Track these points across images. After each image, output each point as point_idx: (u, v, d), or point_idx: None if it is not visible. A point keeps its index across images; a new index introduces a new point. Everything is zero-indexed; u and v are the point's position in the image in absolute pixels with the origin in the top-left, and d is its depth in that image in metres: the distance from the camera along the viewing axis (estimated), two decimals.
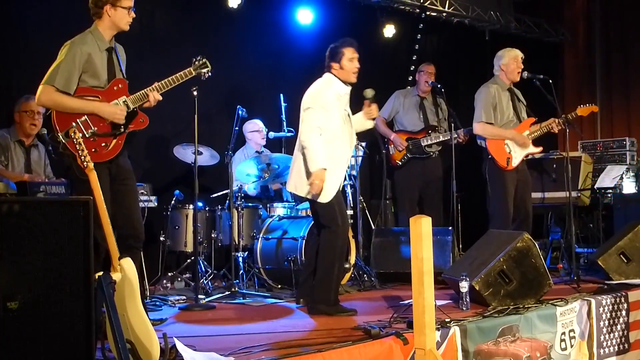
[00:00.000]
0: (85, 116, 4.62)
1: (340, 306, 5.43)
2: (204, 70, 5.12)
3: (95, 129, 4.63)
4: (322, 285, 5.45)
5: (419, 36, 10.48)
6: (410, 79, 9.98)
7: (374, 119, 5.88)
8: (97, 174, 4.37)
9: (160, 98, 4.87)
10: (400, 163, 8.00)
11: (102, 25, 4.80)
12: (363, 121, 5.82)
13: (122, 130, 4.73)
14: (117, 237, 4.61)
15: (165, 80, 4.90)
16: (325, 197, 5.45)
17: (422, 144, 7.93)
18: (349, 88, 5.62)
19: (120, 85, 4.78)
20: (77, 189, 4.56)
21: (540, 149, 7.24)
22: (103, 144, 4.66)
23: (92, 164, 3.98)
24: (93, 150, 4.58)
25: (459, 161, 7.52)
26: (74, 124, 4.55)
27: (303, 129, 5.53)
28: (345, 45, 5.58)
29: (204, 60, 5.12)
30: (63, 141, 4.51)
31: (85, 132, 4.58)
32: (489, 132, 7.00)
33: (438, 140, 7.88)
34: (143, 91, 4.81)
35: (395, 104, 8.14)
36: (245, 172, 7.24)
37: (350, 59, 5.55)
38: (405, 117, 8.10)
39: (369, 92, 5.72)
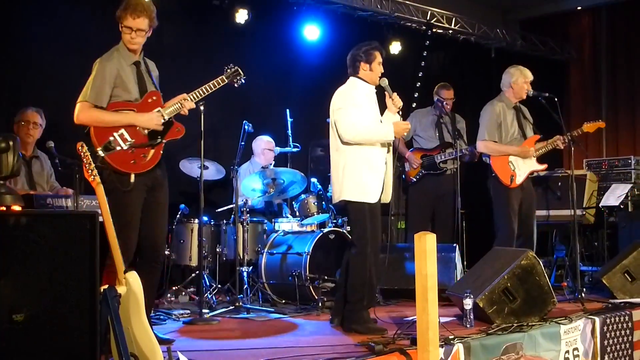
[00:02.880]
0: (123, 129, 4.68)
1: (372, 325, 5.27)
2: (237, 77, 5.30)
3: (133, 140, 4.68)
4: (355, 306, 5.33)
5: (425, 53, 10.52)
6: (416, 95, 10.01)
7: (400, 110, 5.58)
8: (136, 186, 4.59)
9: (194, 106, 5.00)
10: (414, 179, 8.04)
11: (123, 42, 4.87)
12: (390, 117, 5.57)
13: (160, 140, 4.79)
14: (137, 250, 4.68)
15: (198, 89, 5.00)
16: (367, 197, 5.32)
17: (436, 161, 7.95)
18: (373, 87, 5.55)
19: (154, 98, 4.85)
20: (114, 201, 4.44)
21: (545, 166, 7.25)
22: (142, 155, 4.72)
23: (99, 177, 4.01)
24: (132, 161, 4.66)
25: (466, 178, 7.53)
26: (111, 138, 4.61)
27: (340, 128, 5.36)
28: (377, 48, 5.53)
29: (235, 68, 5.30)
30: (102, 155, 4.55)
31: (123, 145, 4.64)
32: (491, 149, 7.01)
33: (453, 157, 7.86)
34: (177, 102, 4.88)
35: (413, 123, 8.15)
36: (250, 187, 7.25)
37: (379, 62, 5.51)
38: (422, 135, 8.14)
39: (384, 81, 5.54)
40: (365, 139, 5.33)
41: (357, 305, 5.30)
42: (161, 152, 4.82)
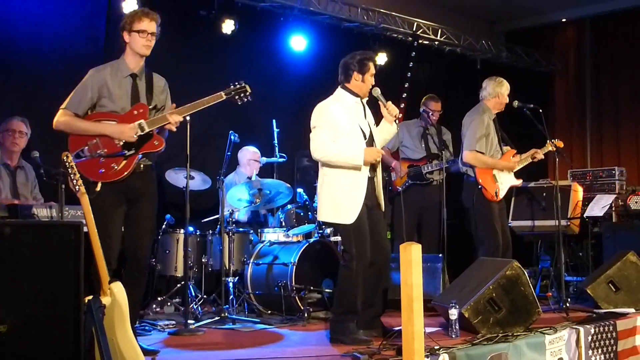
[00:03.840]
0: (97, 138, 4.69)
1: (358, 336, 5.22)
2: (241, 95, 5.10)
3: (105, 150, 4.68)
4: (339, 317, 5.32)
5: (411, 64, 10.56)
6: (402, 106, 10.04)
7: (396, 120, 5.51)
8: (106, 194, 4.56)
9: (181, 119, 4.88)
10: (400, 189, 8.05)
11: (127, 53, 4.90)
12: (387, 127, 5.53)
13: (133, 152, 4.75)
14: (122, 260, 4.67)
15: (192, 103, 4.89)
16: (343, 218, 5.26)
17: (423, 171, 7.96)
18: (358, 98, 5.45)
19: (140, 110, 4.82)
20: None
21: (520, 180, 7.28)
22: (112, 165, 4.71)
23: (83, 188, 4.01)
24: (100, 171, 4.66)
25: (452, 189, 7.55)
26: (85, 146, 4.65)
27: (313, 147, 5.34)
28: (371, 59, 5.47)
29: (243, 85, 5.12)
30: (75, 162, 4.54)
31: (93, 154, 4.65)
32: (481, 161, 6.96)
33: (439, 168, 7.88)
34: (162, 114, 4.86)
35: (400, 133, 8.16)
36: (236, 197, 7.25)
37: (372, 74, 5.43)
38: (408, 145, 8.15)
39: (376, 91, 5.46)
40: (332, 161, 5.29)
41: (342, 317, 5.29)
42: (133, 164, 4.75)
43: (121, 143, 4.72)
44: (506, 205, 7.41)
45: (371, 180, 5.40)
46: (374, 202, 5.45)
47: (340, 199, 5.29)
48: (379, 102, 5.49)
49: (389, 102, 5.48)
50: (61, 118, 4.73)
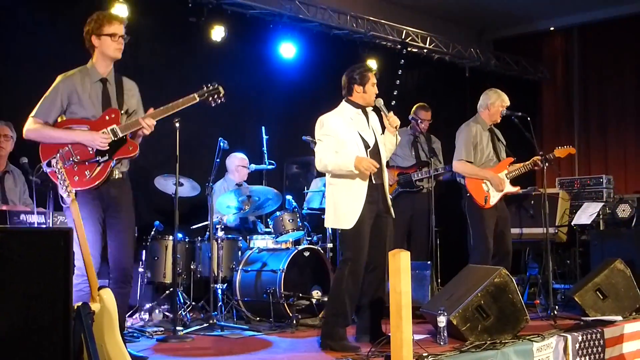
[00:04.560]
0: (69, 146, 4.64)
1: (346, 342, 5.28)
2: (214, 96, 5.03)
3: (78, 157, 4.63)
4: (328, 319, 5.39)
5: (400, 72, 10.59)
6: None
7: (397, 128, 5.64)
8: (83, 202, 4.45)
9: (154, 123, 4.77)
10: (390, 197, 8.04)
11: (95, 57, 4.83)
12: (389, 137, 5.65)
13: (107, 158, 4.70)
14: (106, 269, 4.65)
15: (165, 107, 4.84)
16: (343, 223, 5.40)
17: (413, 179, 7.98)
18: (359, 109, 5.57)
19: (112, 115, 4.76)
20: (67, 216, 4.52)
21: (517, 188, 7.27)
22: (86, 172, 4.65)
23: (74, 194, 3.99)
24: (75, 178, 4.59)
25: (441, 197, 7.57)
26: (57, 154, 4.55)
27: (316, 160, 5.50)
28: (370, 70, 5.62)
29: (215, 86, 5.06)
30: (46, 171, 4.52)
31: (66, 161, 4.58)
32: (468, 170, 7.02)
33: (428, 176, 7.89)
34: (135, 119, 4.79)
35: None
36: (225, 204, 7.25)
37: (373, 83, 5.57)
38: (398, 153, 8.16)
39: (379, 102, 5.60)
40: (332, 170, 5.44)
41: (331, 319, 5.36)
42: (107, 170, 4.70)
43: (94, 150, 4.69)
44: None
45: (378, 187, 5.53)
46: (382, 208, 5.55)
47: (341, 205, 5.43)
48: (381, 113, 5.62)
49: (391, 113, 5.60)
50: (31, 126, 4.66)
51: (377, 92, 5.60)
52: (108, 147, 4.68)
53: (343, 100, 5.63)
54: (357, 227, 5.35)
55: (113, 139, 4.69)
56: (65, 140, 4.65)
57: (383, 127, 5.69)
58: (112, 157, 4.73)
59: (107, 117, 4.74)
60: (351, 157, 5.34)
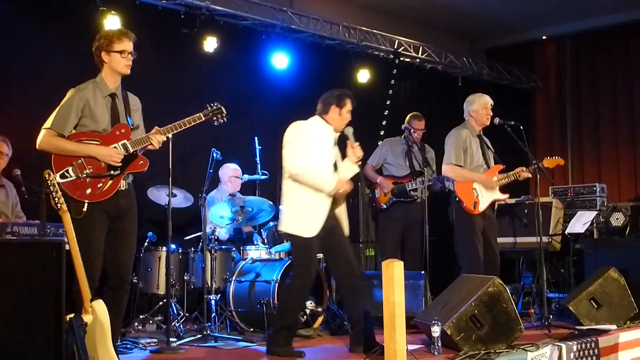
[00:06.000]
0: (82, 159, 4.69)
1: (291, 348, 5.45)
2: (218, 116, 5.27)
3: (91, 170, 4.69)
4: (276, 330, 5.50)
5: (392, 81, 10.62)
6: (384, 123, 10.09)
7: (359, 160, 5.74)
8: (92, 214, 4.58)
9: (164, 139, 4.97)
10: (385, 206, 8.06)
11: (105, 72, 4.90)
12: (349, 166, 5.70)
13: (119, 172, 4.79)
14: (103, 275, 4.66)
15: (173, 124, 4.99)
16: (303, 231, 5.44)
17: (407, 188, 7.97)
18: (331, 129, 5.63)
19: (123, 130, 4.86)
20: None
21: (507, 195, 7.27)
22: (99, 185, 4.72)
23: (65, 206, 4.00)
24: (87, 191, 4.66)
25: (434, 206, 7.57)
26: (69, 166, 4.65)
27: (287, 162, 5.49)
28: (349, 96, 5.67)
29: (218, 106, 5.28)
30: (58, 182, 4.54)
31: (79, 174, 4.65)
32: (457, 174, 7.00)
33: (422, 186, 7.89)
34: (145, 135, 4.91)
35: (383, 151, 8.22)
36: (218, 215, 7.24)
37: (349, 110, 5.64)
38: (392, 162, 8.17)
39: (348, 130, 5.67)
40: (304, 180, 5.46)
41: (279, 330, 5.47)
42: (119, 183, 4.79)
43: (106, 164, 4.74)
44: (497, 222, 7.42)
45: (331, 198, 5.59)
46: (336, 218, 5.63)
47: (303, 212, 5.48)
48: (347, 141, 5.67)
49: (357, 144, 5.67)
50: (45, 138, 4.70)
51: (350, 119, 5.67)
52: (121, 163, 4.78)
53: (317, 116, 5.68)
54: (314, 239, 5.45)
55: (125, 154, 4.80)
56: (79, 154, 4.72)
57: (343, 156, 5.75)
58: (124, 172, 4.83)
59: (117, 132, 4.84)
60: (332, 177, 5.46)
